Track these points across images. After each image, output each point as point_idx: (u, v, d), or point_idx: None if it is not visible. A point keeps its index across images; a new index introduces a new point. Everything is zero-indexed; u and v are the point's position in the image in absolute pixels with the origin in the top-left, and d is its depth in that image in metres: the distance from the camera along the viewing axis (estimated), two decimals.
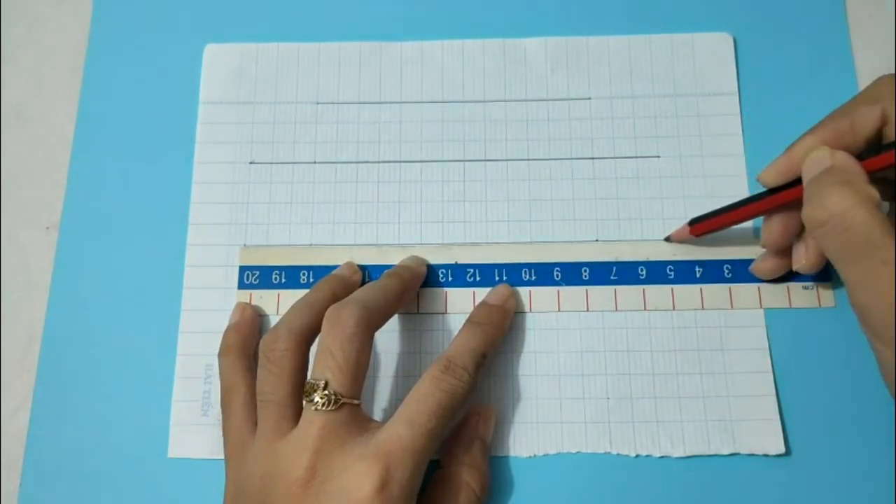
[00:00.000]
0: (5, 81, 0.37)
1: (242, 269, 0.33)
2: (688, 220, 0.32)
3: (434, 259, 0.33)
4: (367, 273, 0.33)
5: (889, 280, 0.23)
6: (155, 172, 0.35)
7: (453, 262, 0.33)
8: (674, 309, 0.32)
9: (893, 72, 0.27)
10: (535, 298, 0.32)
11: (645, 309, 0.32)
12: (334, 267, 0.33)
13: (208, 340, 0.32)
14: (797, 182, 0.28)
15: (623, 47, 0.36)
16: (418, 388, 0.27)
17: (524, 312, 0.32)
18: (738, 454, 0.30)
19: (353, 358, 0.26)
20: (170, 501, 0.31)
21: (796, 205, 0.27)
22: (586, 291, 0.32)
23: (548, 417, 0.31)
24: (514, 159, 0.34)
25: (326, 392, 0.25)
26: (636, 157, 0.34)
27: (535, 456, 0.31)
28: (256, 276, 0.33)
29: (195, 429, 0.31)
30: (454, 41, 0.36)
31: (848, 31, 0.36)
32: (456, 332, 0.30)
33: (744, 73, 0.35)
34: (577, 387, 0.31)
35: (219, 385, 0.30)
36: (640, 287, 0.32)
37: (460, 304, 0.32)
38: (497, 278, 0.33)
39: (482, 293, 0.32)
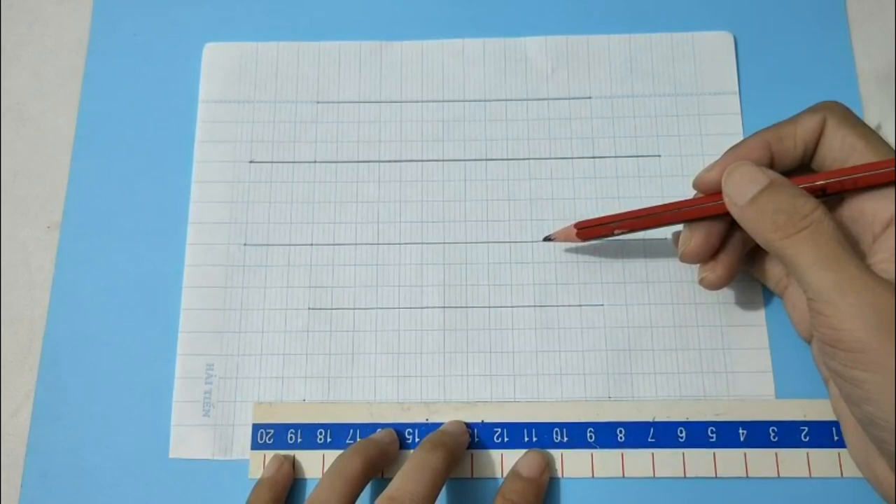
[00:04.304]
0: (5, 81, 0.37)
1: (256, 427, 0.31)
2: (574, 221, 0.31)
3: (458, 417, 0.31)
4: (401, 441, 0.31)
5: (866, 305, 0.23)
6: (155, 171, 0.35)
7: (479, 422, 0.31)
8: (716, 476, 0.30)
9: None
10: (567, 462, 0.30)
11: (685, 476, 0.30)
12: (352, 425, 0.31)
13: (209, 340, 0.32)
14: (713, 196, 0.28)
15: (623, 46, 0.36)
16: None
17: (557, 478, 0.30)
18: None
19: None
20: (170, 502, 0.30)
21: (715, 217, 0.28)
22: (622, 455, 0.30)
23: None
24: (515, 159, 0.34)
25: None
26: (637, 156, 0.34)
27: None
28: (270, 436, 0.31)
29: (196, 429, 0.31)
30: (454, 41, 0.36)
31: (848, 31, 0.36)
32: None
33: (744, 72, 0.35)
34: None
35: (220, 386, 0.30)
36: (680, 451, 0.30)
37: (487, 468, 0.30)
38: (526, 439, 0.31)
39: (510, 456, 0.30)
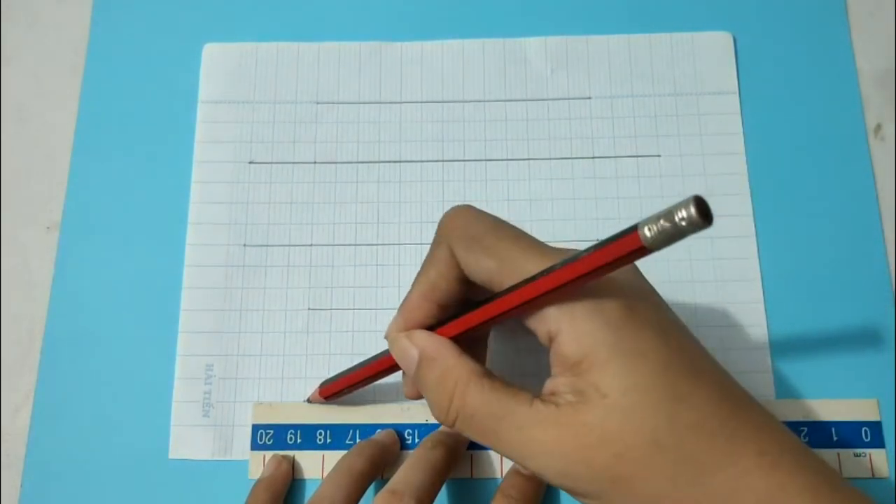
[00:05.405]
0: (5, 81, 0.37)
1: (255, 427, 0.31)
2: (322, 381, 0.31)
3: None
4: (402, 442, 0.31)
5: (548, 440, 0.21)
6: (155, 172, 0.35)
7: None
8: None
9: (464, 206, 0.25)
10: None
11: None
12: (352, 425, 0.31)
13: (208, 341, 0.32)
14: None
15: (623, 47, 0.36)
16: None
17: None
18: None
19: None
20: (170, 502, 0.31)
21: None
22: None
23: None
24: (515, 159, 0.34)
25: None
26: (637, 157, 0.34)
27: None
28: (270, 436, 0.31)
29: (196, 430, 0.31)
30: (454, 41, 0.36)
31: (848, 31, 0.36)
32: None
33: (744, 72, 0.35)
34: None
35: (219, 386, 0.30)
36: None
37: (487, 468, 0.30)
38: None
39: None
